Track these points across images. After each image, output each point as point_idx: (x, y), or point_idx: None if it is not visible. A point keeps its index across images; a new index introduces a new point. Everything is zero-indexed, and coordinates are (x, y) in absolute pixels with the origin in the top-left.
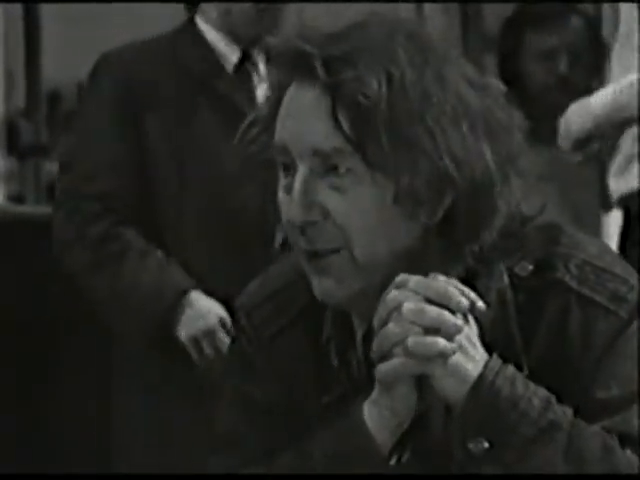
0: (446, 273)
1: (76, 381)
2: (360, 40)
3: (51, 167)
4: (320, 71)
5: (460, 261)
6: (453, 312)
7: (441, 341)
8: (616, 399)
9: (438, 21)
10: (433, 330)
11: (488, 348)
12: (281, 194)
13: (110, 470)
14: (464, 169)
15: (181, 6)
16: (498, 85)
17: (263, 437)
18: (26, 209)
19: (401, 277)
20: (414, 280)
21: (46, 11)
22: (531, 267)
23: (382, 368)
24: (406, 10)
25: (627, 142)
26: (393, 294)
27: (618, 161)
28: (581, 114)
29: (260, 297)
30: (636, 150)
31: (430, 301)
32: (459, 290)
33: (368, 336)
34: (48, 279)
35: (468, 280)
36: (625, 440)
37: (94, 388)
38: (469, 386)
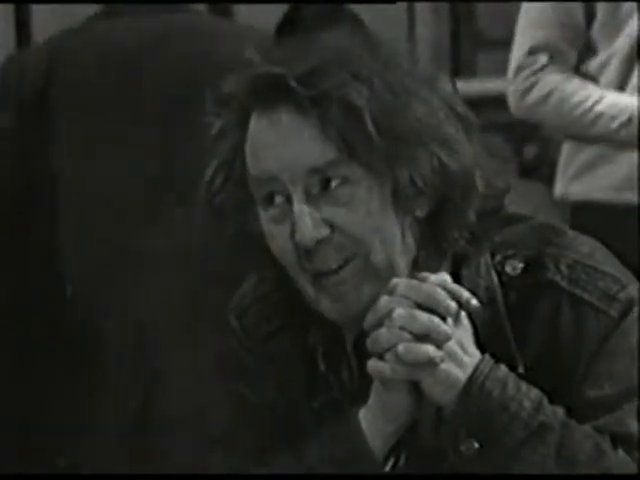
0: (439, 263)
1: None
2: (319, 51)
3: None
4: (298, 90)
5: (452, 246)
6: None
7: (430, 349)
8: (608, 398)
9: (429, 20)
10: (423, 336)
11: (481, 347)
12: (270, 227)
13: None
14: (453, 155)
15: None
16: (445, 78)
17: (258, 437)
18: None
19: (393, 282)
20: (404, 284)
21: (38, 11)
22: (521, 266)
23: (373, 364)
24: (397, 10)
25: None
26: (384, 300)
27: (577, 165)
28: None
29: (251, 300)
30: (596, 154)
31: (420, 305)
32: (450, 290)
33: (359, 342)
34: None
35: (457, 276)
36: (617, 440)
37: None
38: (457, 393)
